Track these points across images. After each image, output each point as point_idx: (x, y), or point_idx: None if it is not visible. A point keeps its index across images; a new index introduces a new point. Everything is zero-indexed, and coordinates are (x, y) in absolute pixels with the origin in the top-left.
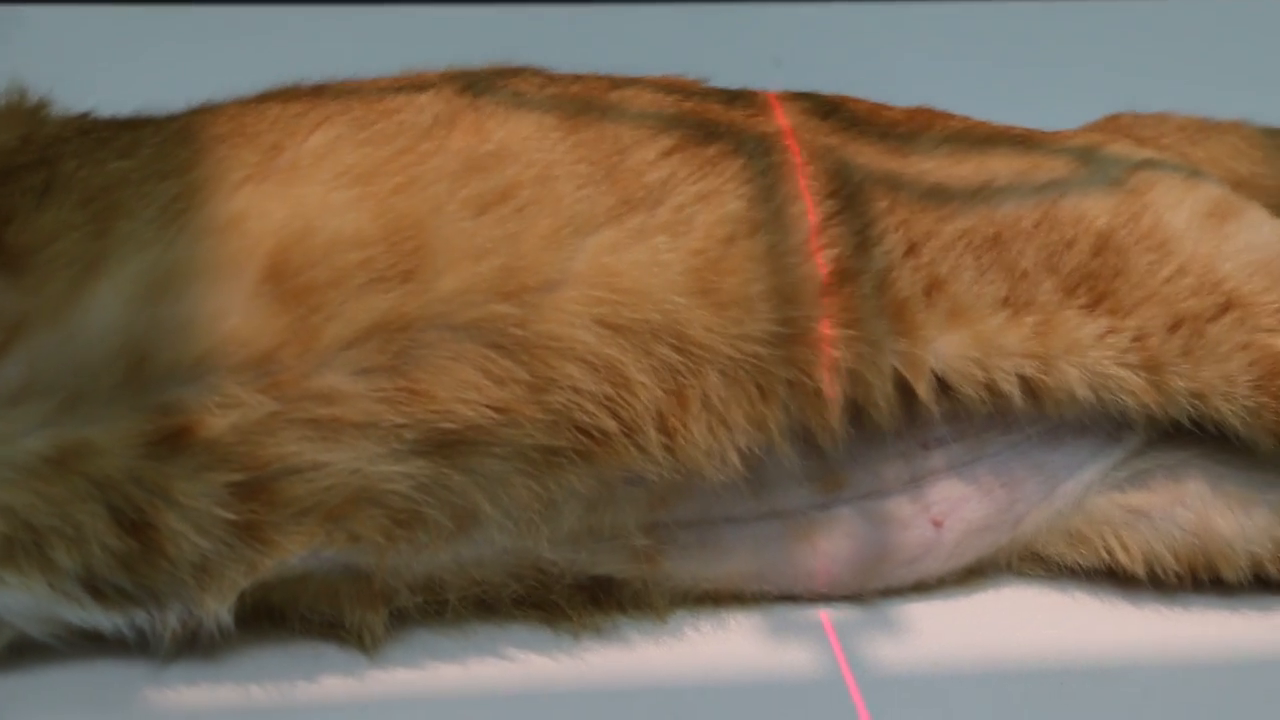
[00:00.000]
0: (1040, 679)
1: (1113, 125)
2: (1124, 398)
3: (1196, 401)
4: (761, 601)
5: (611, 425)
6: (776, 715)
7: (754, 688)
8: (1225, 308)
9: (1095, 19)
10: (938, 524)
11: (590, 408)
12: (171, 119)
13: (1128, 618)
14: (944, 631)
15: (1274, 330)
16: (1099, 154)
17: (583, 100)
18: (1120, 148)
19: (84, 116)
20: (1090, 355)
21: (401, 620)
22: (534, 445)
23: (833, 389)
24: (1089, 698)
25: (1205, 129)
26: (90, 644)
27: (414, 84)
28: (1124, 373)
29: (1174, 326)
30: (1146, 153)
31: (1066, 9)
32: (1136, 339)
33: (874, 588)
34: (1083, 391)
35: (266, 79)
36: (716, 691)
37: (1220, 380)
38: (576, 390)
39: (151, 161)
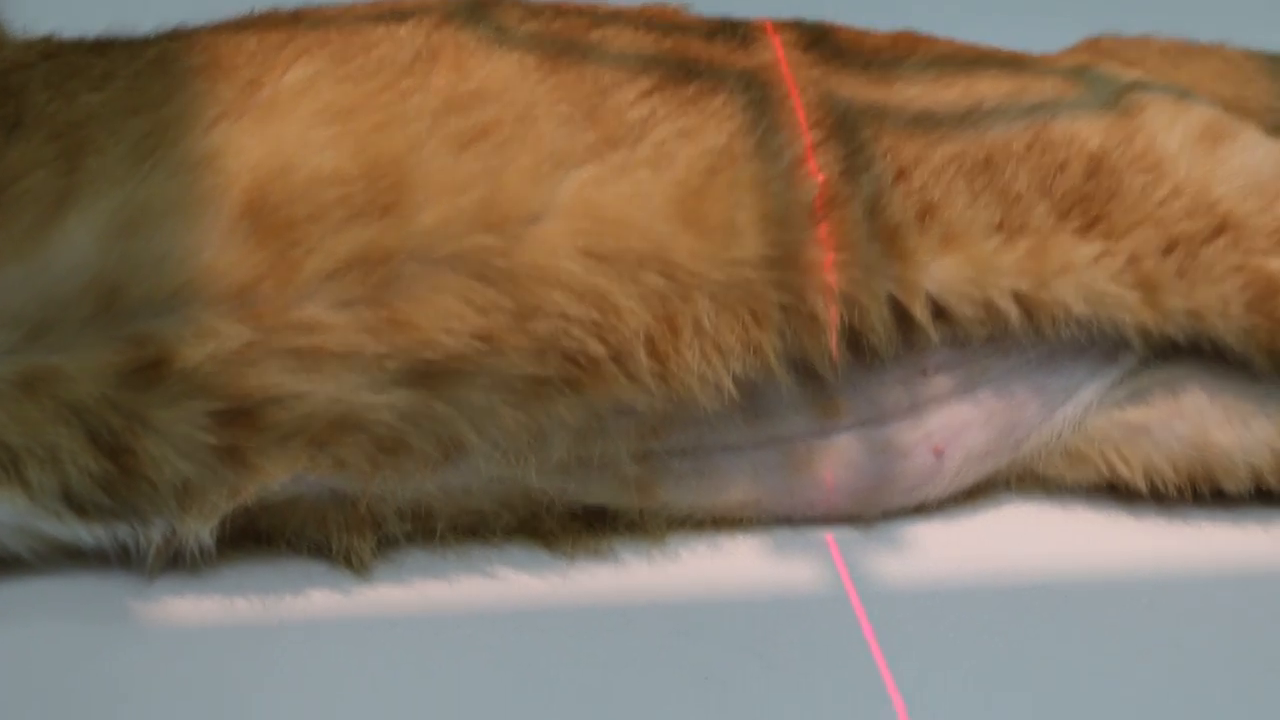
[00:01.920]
0: (1042, 594)
1: (1095, 48)
2: (1121, 314)
3: (1193, 320)
4: (762, 523)
5: (600, 351)
6: (779, 633)
7: (757, 604)
8: (1219, 230)
9: None
10: (939, 452)
11: (577, 333)
12: (145, 46)
13: (1129, 531)
14: (946, 549)
15: (1268, 252)
16: (1089, 75)
17: (564, 40)
18: (1110, 68)
19: (48, 39)
20: (1085, 275)
21: (392, 543)
22: (520, 375)
23: (828, 313)
24: (1091, 611)
25: (1187, 51)
26: (72, 559)
27: (394, 11)
28: (1120, 289)
29: (1168, 249)
30: (1136, 74)
31: None
32: (1131, 261)
33: (874, 513)
34: (1079, 307)
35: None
36: (716, 609)
37: (1216, 300)
38: (563, 317)
39: (124, 95)
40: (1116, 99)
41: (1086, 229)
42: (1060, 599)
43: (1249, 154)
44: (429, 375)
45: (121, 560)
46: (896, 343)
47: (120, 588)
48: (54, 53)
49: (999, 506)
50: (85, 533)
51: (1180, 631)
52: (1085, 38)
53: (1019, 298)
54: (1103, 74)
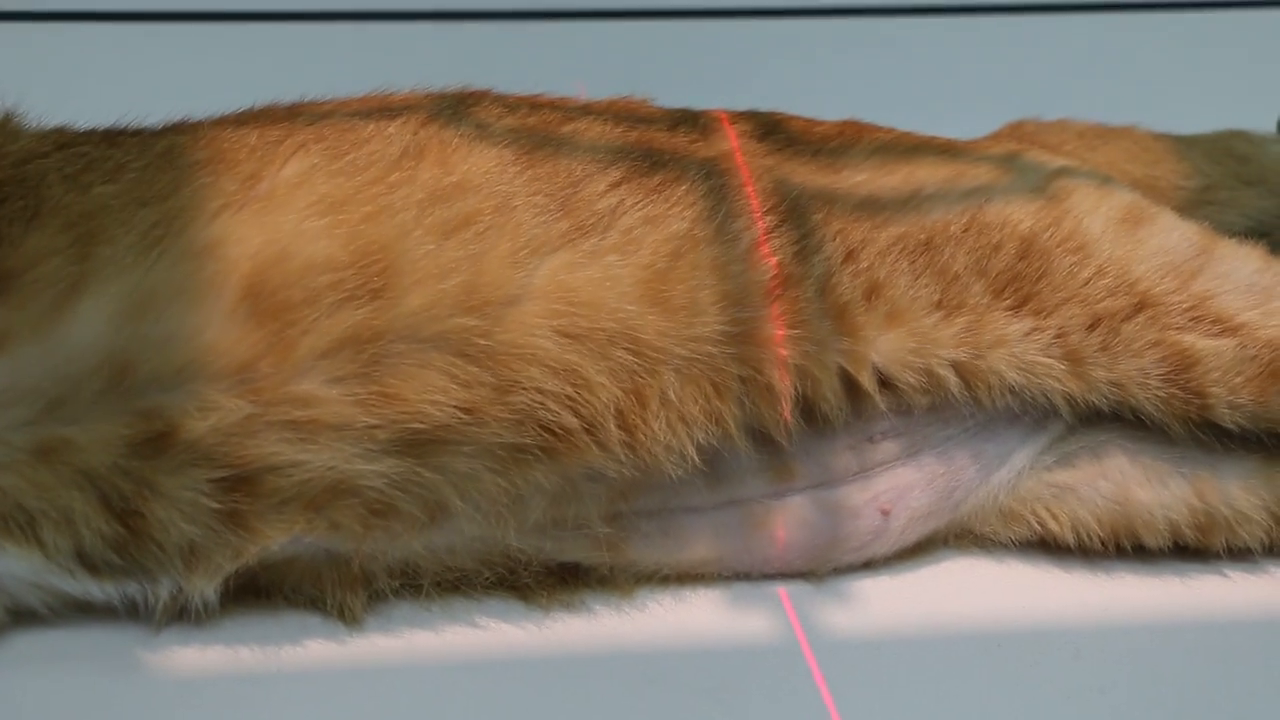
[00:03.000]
0: (980, 643)
1: (1017, 132)
2: (1050, 382)
3: (1115, 390)
4: (722, 578)
5: (573, 422)
6: (737, 680)
7: (715, 654)
8: (1139, 307)
9: (985, 33)
10: (885, 512)
11: (553, 406)
12: (155, 138)
13: (1058, 584)
14: (891, 602)
15: (1182, 329)
16: (1018, 161)
17: (539, 135)
18: (1036, 155)
19: (61, 130)
20: (1016, 348)
21: (381, 597)
22: (500, 443)
23: (783, 384)
24: (1025, 659)
25: (1102, 134)
26: (83, 611)
27: (384, 108)
28: (1049, 360)
29: (1092, 325)
30: (1061, 161)
31: (953, 23)
32: (1059, 335)
33: (826, 569)
34: (1012, 375)
35: (232, 94)
36: (680, 657)
37: (1136, 373)
38: (539, 391)
39: (134, 187)
40: (1045, 185)
41: (1018, 306)
42: (997, 648)
43: (1165, 236)
44: (416, 444)
45: (130, 613)
46: (846, 411)
47: (128, 638)
48: (68, 143)
49: (939, 562)
50: (96, 589)
51: (1105, 677)
52: (1008, 122)
53: (957, 367)
54: (1031, 161)
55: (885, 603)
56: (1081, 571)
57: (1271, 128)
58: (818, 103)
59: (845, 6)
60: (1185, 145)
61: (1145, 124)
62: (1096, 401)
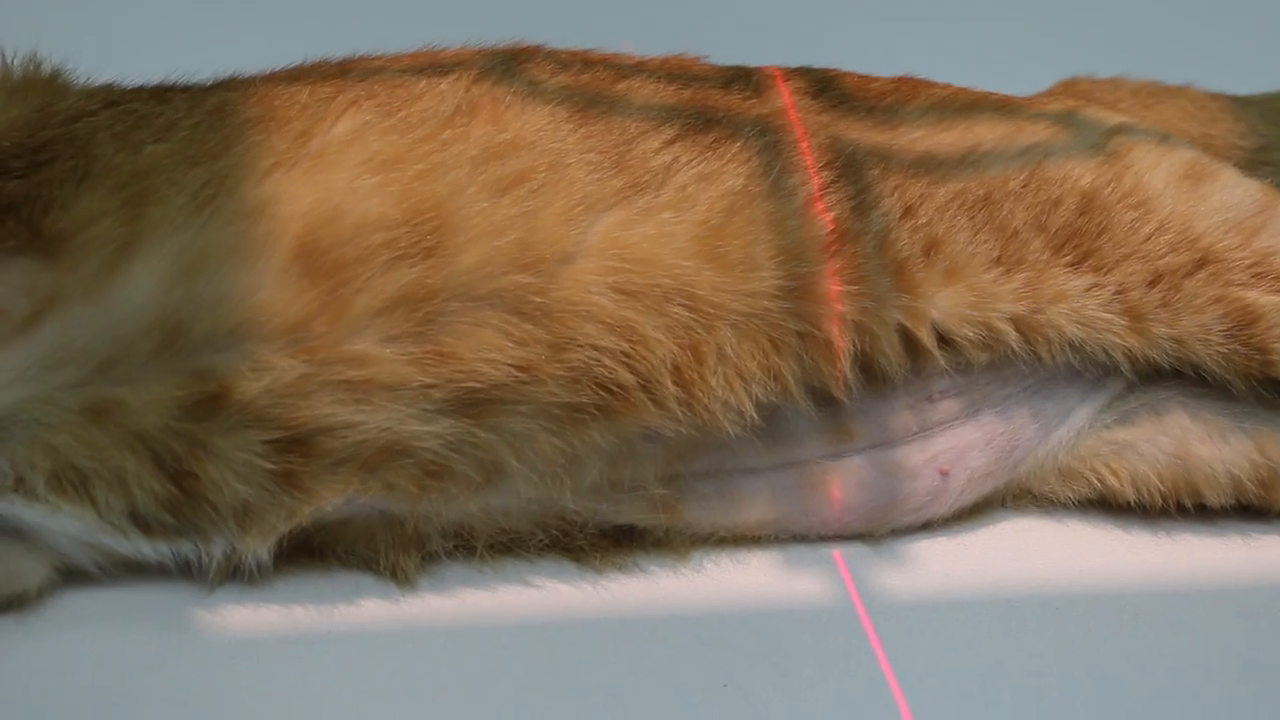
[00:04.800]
0: (1038, 605)
1: (1071, 90)
2: (1110, 338)
3: (1176, 346)
4: (778, 540)
5: (629, 379)
6: (792, 642)
7: (770, 616)
8: (1201, 263)
9: None
10: (944, 473)
11: (609, 363)
12: (205, 95)
13: (1118, 544)
14: (947, 564)
15: (1245, 285)
16: (1076, 118)
17: (592, 92)
18: (1094, 112)
19: (109, 87)
20: (1076, 303)
21: (434, 559)
22: (556, 402)
23: (841, 340)
24: (1084, 621)
25: (1157, 93)
26: (134, 571)
27: (435, 65)
28: (1109, 316)
29: (1153, 282)
30: (1120, 117)
31: None
32: (1119, 292)
33: (884, 531)
34: (1072, 330)
35: (279, 51)
36: (734, 619)
37: (1197, 329)
38: (595, 348)
39: (185, 146)
40: (1104, 141)
41: (1078, 263)
42: (1055, 610)
43: (1228, 192)
44: (472, 404)
45: (182, 573)
46: (905, 368)
47: (181, 597)
48: (117, 100)
49: (996, 523)
50: (149, 548)
51: (1164, 640)
52: (1061, 80)
53: (1016, 321)
54: (1089, 118)
55: (941, 564)
56: (1141, 532)
57: None
58: (871, 61)
59: None
60: (1241, 105)
61: (1199, 84)
62: (1157, 358)
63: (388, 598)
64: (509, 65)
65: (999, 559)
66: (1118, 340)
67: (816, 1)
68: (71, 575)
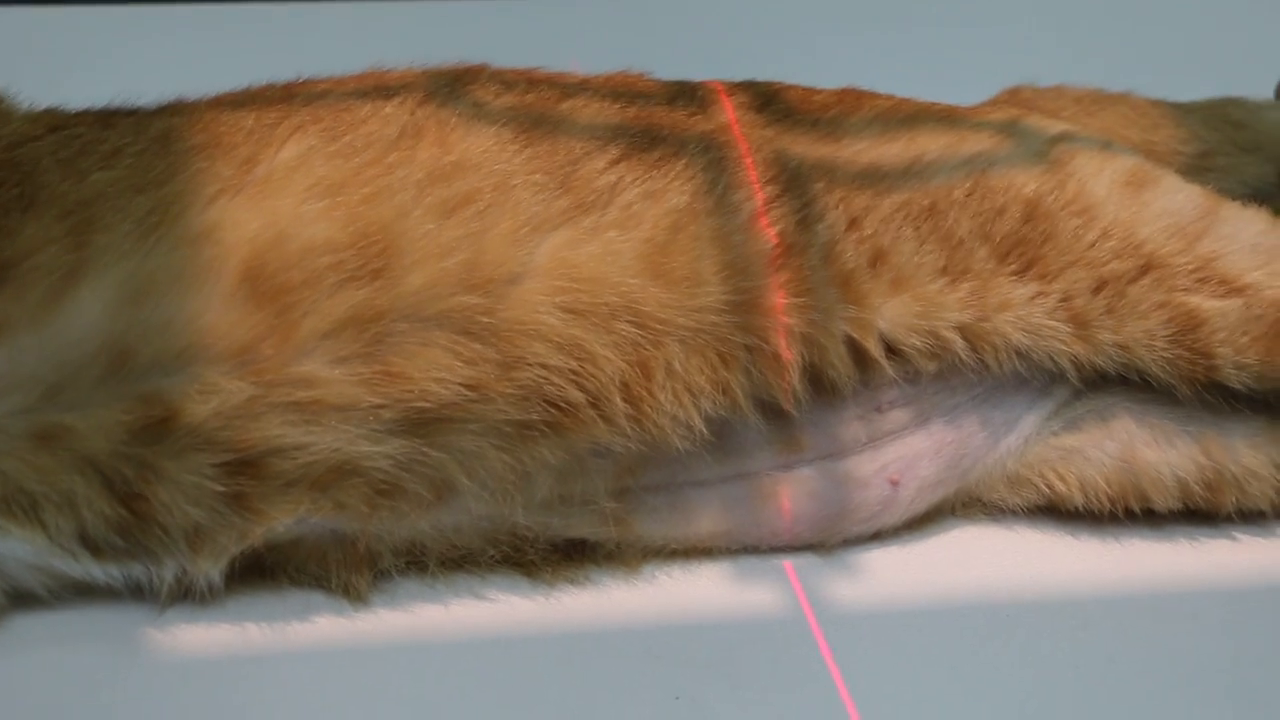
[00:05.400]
0: (987, 613)
1: (1016, 99)
2: (1056, 345)
3: (1121, 352)
4: (728, 552)
5: (579, 397)
6: (743, 653)
7: (721, 627)
8: (1145, 269)
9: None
10: (894, 482)
11: (558, 381)
12: (150, 120)
13: (1068, 551)
14: (898, 573)
15: (1189, 290)
16: (1019, 126)
17: (537, 112)
18: (1037, 121)
19: (53, 111)
20: (1021, 311)
21: (386, 576)
22: (506, 420)
23: (789, 352)
24: (1033, 628)
25: (1099, 100)
26: (83, 594)
27: (380, 87)
28: (1054, 324)
29: (1098, 288)
30: (1062, 126)
31: None
32: (1063, 300)
33: (835, 541)
34: (1018, 338)
35: (226, 74)
36: (685, 631)
37: (1142, 335)
38: (544, 366)
39: (130, 173)
40: (1047, 149)
41: (1023, 271)
42: (1006, 618)
43: (1170, 198)
44: (422, 424)
45: (133, 594)
46: (854, 379)
47: (131, 619)
48: (61, 125)
49: (946, 532)
50: (99, 571)
51: (1114, 646)
52: (1005, 88)
53: (963, 330)
54: (1031, 126)
55: (891, 574)
56: (1090, 539)
57: (1268, 95)
58: (813, 71)
59: None
60: (1182, 112)
61: (1141, 91)
62: (1102, 364)
63: (340, 614)
64: (454, 86)
65: (949, 567)
66: (1064, 347)
67: (763, 14)
68: (20, 598)
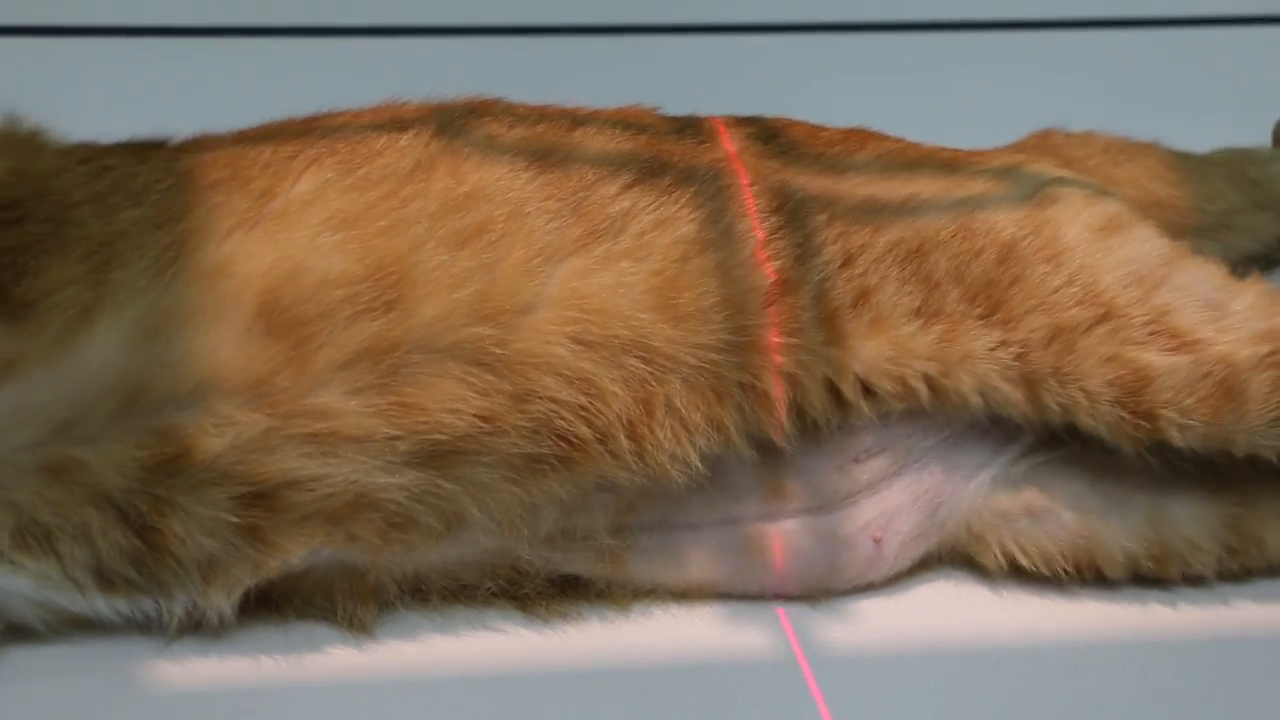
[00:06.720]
0: (978, 660)
1: (1044, 143)
2: (1008, 409)
3: (1065, 415)
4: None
5: (586, 432)
6: (734, 696)
7: (712, 669)
8: (1101, 318)
9: (1024, 47)
10: (877, 540)
11: (568, 415)
12: (178, 156)
13: (1056, 599)
14: (889, 619)
15: (1140, 344)
16: (1017, 172)
17: (549, 142)
18: (1039, 166)
19: (83, 146)
20: (980, 366)
21: (390, 608)
22: (518, 453)
23: (779, 390)
24: (1021, 676)
25: (1127, 150)
26: (83, 629)
27: (395, 120)
28: (1006, 386)
29: (1051, 339)
30: (1061, 171)
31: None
32: (1020, 355)
33: (823, 597)
34: (974, 398)
35: (253, 108)
36: (676, 672)
37: (1082, 396)
38: (554, 401)
39: (154, 211)
40: (1034, 193)
41: (988, 315)
42: (996, 665)
43: (1136, 246)
44: (438, 455)
45: (137, 628)
46: (833, 420)
47: (137, 651)
48: (91, 157)
49: (935, 580)
50: (105, 606)
51: (1102, 694)
52: (1034, 131)
53: (928, 380)
54: (1030, 171)
55: (883, 620)
56: (1080, 587)
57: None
58: (845, 116)
59: (874, 22)
60: (1206, 166)
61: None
62: (1052, 424)
63: (336, 648)
64: (467, 119)
65: (939, 614)
66: (1015, 410)
67: (785, 57)
68: (13, 630)
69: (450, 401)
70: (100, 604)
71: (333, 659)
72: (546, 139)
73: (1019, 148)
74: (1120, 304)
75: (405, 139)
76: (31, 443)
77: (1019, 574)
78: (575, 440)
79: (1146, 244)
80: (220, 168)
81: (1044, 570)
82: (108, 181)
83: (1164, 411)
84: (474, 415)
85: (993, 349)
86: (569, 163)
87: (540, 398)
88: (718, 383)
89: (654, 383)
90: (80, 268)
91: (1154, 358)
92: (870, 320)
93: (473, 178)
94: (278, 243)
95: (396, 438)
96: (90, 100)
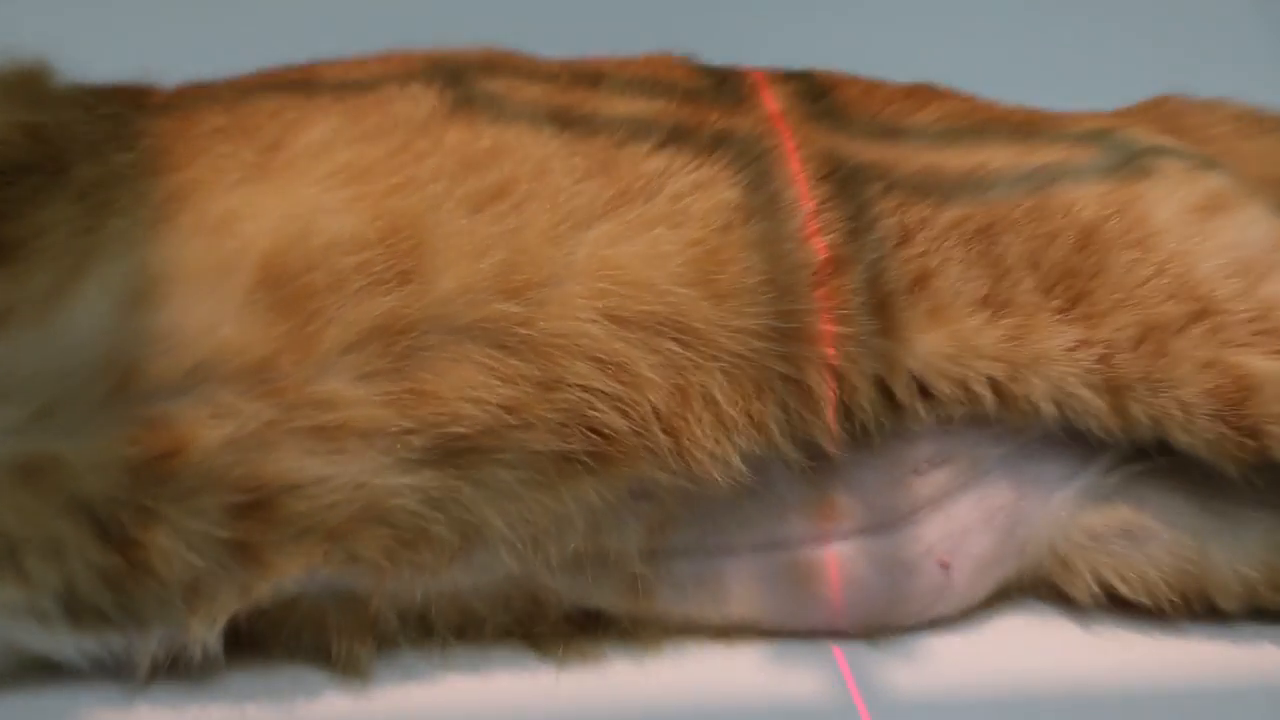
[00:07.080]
0: (1055, 706)
1: (1158, 110)
2: (1087, 419)
3: (1157, 429)
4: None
5: (621, 424)
6: None
7: (762, 713)
8: (1198, 315)
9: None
10: (945, 565)
11: (601, 406)
12: (173, 102)
13: (1148, 637)
14: (958, 659)
15: (1244, 345)
16: (1106, 139)
17: (575, 93)
18: (1134, 133)
19: (83, 88)
20: (1056, 369)
21: (391, 644)
22: (545, 451)
23: (829, 388)
24: None
25: (1263, 123)
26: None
27: (408, 67)
28: (1087, 393)
29: (1141, 339)
30: (1161, 139)
31: None
32: (1103, 358)
33: (887, 635)
34: (1047, 406)
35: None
36: (723, 718)
37: (1177, 408)
38: (585, 388)
39: (151, 157)
40: (1125, 164)
41: (1068, 309)
42: (1080, 714)
43: (1243, 230)
44: (455, 453)
45: (106, 672)
46: (886, 426)
47: (105, 695)
48: (87, 102)
49: (1014, 615)
50: (70, 643)
51: None
52: (1151, 97)
53: (994, 384)
54: (1122, 138)
55: (955, 660)
56: (1187, 618)
57: None
58: (910, 71)
59: None
60: None
61: None
62: (1141, 438)
63: (330, 690)
64: (483, 68)
65: (1021, 653)
66: (1096, 422)
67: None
68: None
69: (470, 389)
70: (66, 642)
71: (326, 706)
72: (571, 89)
73: (1122, 114)
74: (1219, 298)
75: (416, 87)
76: (9, 428)
77: (1113, 606)
78: (609, 433)
79: (1255, 227)
80: (220, 115)
81: (1146, 601)
82: (108, 126)
83: (1271, 428)
84: (497, 405)
85: (1071, 349)
86: (597, 116)
87: (570, 385)
88: (759, 374)
89: (692, 370)
90: (74, 208)
91: (1260, 362)
92: (928, 310)
93: (490, 131)
94: (284, 198)
95: (410, 431)
96: (88, 45)
